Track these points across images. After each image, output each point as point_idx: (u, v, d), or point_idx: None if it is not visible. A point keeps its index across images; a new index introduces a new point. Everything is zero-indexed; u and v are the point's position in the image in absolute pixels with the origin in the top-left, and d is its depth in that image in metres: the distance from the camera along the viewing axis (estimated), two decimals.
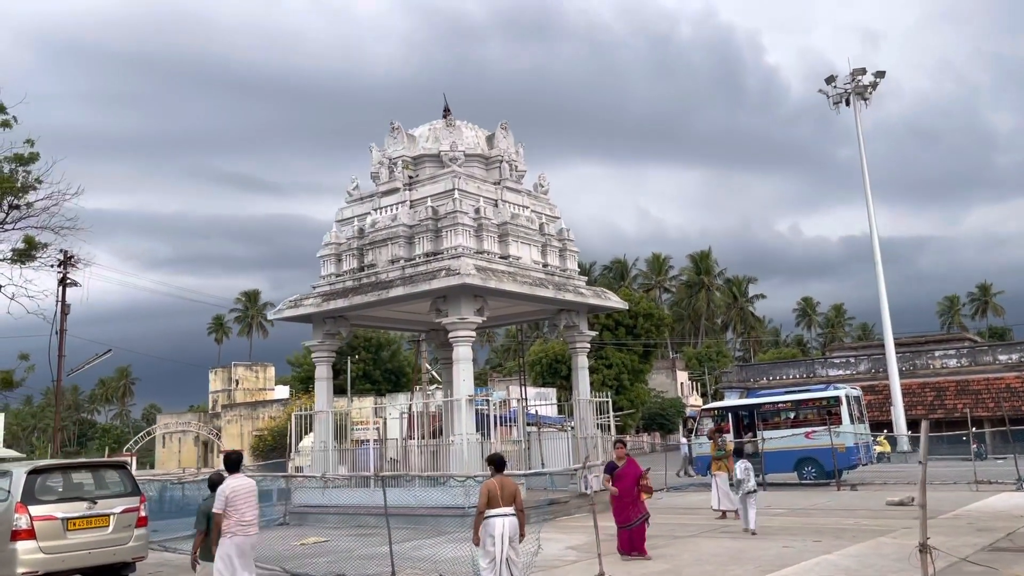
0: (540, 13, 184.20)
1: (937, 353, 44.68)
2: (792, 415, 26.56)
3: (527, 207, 20.77)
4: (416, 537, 15.12)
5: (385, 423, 37.13)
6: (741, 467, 14.85)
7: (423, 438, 20.78)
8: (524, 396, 25.02)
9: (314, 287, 20.53)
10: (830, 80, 40.17)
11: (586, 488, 12.95)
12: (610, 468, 11.97)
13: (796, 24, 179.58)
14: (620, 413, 38.64)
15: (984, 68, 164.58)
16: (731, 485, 16.79)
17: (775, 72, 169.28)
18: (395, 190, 19.84)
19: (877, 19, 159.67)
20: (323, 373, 20.74)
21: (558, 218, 21.79)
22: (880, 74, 39.57)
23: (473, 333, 18.26)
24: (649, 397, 61.60)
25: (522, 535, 8.91)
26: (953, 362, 43.55)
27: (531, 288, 18.88)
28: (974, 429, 24.89)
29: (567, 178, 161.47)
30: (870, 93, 39.56)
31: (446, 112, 20.98)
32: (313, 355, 20.81)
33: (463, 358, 18.01)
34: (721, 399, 46.10)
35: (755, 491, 15.09)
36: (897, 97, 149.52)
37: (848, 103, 40.10)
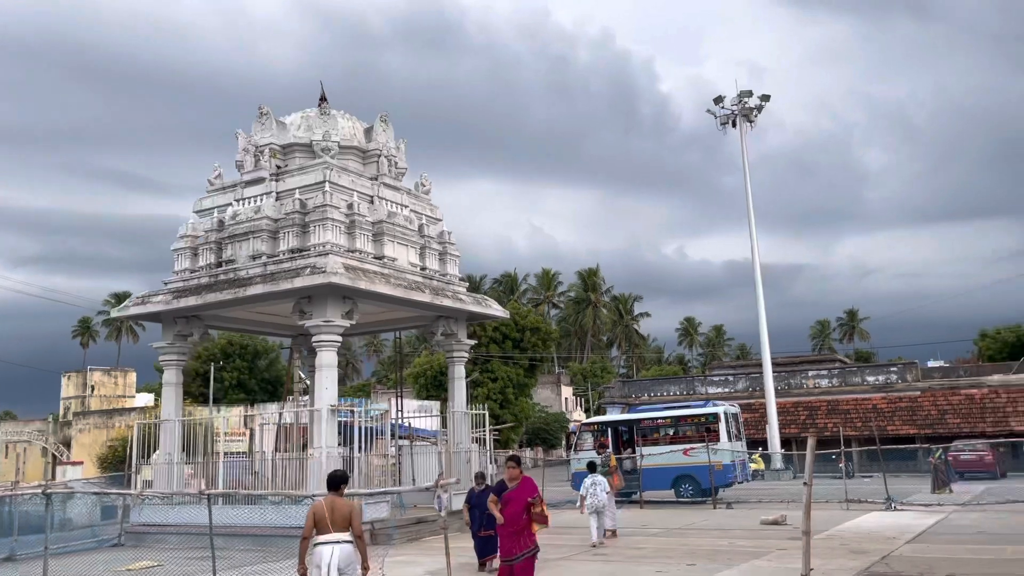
0: (440, 27, 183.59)
1: (811, 373, 45.93)
2: (671, 431, 26.27)
3: (406, 206, 19.57)
4: (265, 560, 13.60)
5: (253, 434, 34.95)
6: (587, 482, 15.27)
7: (289, 451, 19.15)
8: (400, 407, 23.73)
9: (166, 283, 18.64)
10: (718, 100, 40.80)
11: (440, 508, 11.76)
12: (498, 489, 10.54)
13: (688, 55, 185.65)
14: (499, 427, 37.75)
15: (858, 108, 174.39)
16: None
17: (667, 100, 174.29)
18: (260, 180, 18.26)
19: (763, 56, 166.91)
20: (172, 378, 18.84)
21: (440, 220, 20.68)
22: (765, 97, 40.49)
23: (339, 337, 16.87)
24: (533, 411, 61.08)
25: (365, 567, 7.67)
26: (825, 382, 44.84)
27: (406, 292, 17.67)
28: (843, 448, 25.14)
29: (465, 192, 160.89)
30: (755, 116, 40.40)
31: (322, 100, 19.56)
32: (161, 358, 18.86)
33: (327, 364, 16.60)
34: (603, 414, 45.92)
35: (602, 508, 15.07)
36: (780, 131, 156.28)
37: (735, 124, 40.81)
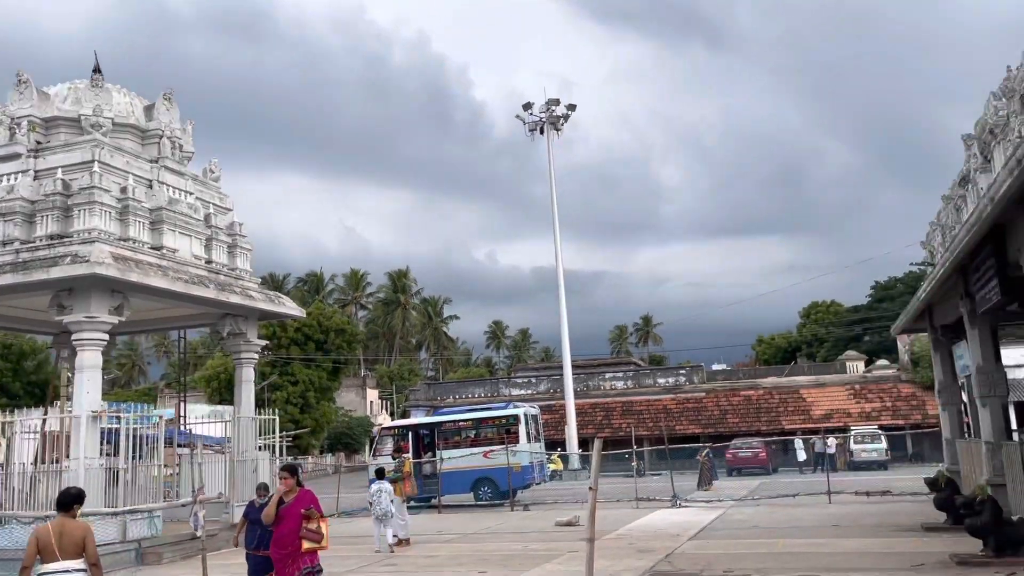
0: (249, 14, 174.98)
1: (608, 375, 47.72)
2: (473, 434, 26.11)
3: (191, 193, 17.98)
4: None
5: (9, 444, 31.17)
6: (373, 488, 14.86)
7: (54, 462, 16.93)
8: (183, 412, 21.87)
9: None
10: (527, 107, 41.47)
11: (196, 527, 10.60)
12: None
13: (502, 64, 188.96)
14: (295, 432, 36.10)
15: (657, 127, 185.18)
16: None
17: (481, 107, 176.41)
18: (15, 156, 16.05)
19: (573, 70, 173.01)
20: None
21: (230, 210, 19.20)
22: (572, 107, 41.65)
23: (104, 336, 15.11)
24: (336, 416, 59.31)
25: None
26: (621, 384, 46.74)
27: (187, 286, 16.14)
28: (635, 447, 26.04)
29: (271, 187, 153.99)
30: (562, 124, 41.44)
31: (95, 72, 17.55)
32: None
33: (88, 365, 14.81)
34: (408, 417, 45.26)
35: (389, 514, 14.72)
36: (586, 145, 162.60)
37: (542, 131, 41.63)
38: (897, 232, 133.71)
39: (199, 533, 8.69)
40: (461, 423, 26.59)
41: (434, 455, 24.88)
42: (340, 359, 56.78)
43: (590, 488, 6.40)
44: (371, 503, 14.92)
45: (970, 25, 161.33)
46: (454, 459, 24.23)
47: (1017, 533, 10.56)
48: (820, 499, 20.75)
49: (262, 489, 10.00)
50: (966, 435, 19.23)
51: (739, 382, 45.53)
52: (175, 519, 16.79)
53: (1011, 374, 17.86)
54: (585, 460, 41.31)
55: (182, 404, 23.10)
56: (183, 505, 13.60)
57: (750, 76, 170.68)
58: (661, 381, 46.08)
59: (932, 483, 14.15)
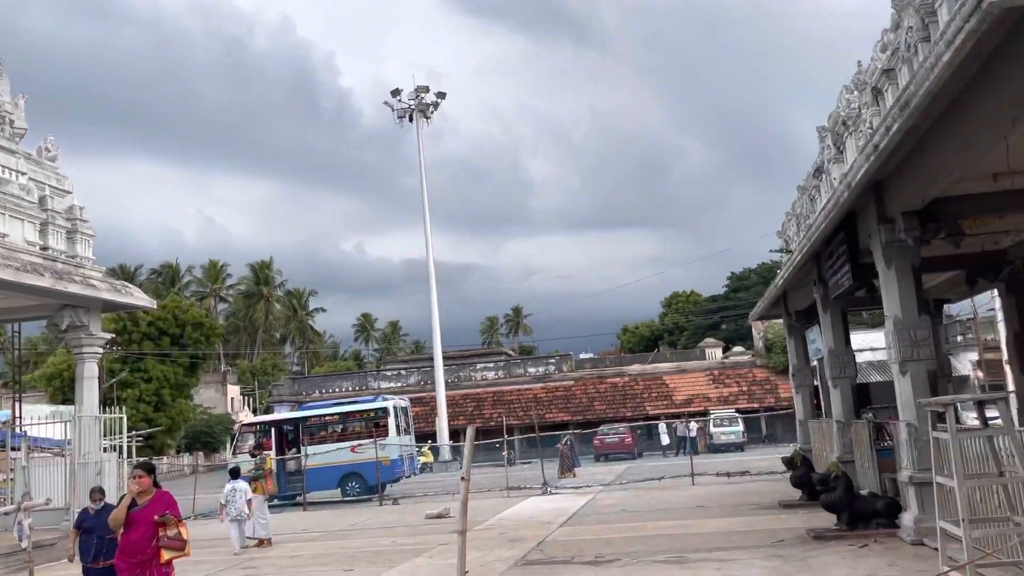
0: None
1: (479, 366, 47.69)
2: (340, 428, 25.31)
3: (23, 173, 16.38)
4: None
5: None
6: (227, 488, 14.18)
7: None
8: (19, 414, 20.04)
9: None
10: (396, 93, 40.67)
11: (20, 537, 9.57)
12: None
13: (370, 53, 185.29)
14: (147, 431, 34.02)
15: (526, 121, 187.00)
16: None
17: (348, 95, 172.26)
18: None
19: (442, 62, 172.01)
20: None
21: (69, 192, 17.65)
22: (441, 95, 41.18)
23: None
24: (194, 413, 56.46)
25: None
26: (492, 374, 46.81)
27: (17, 274, 14.63)
28: (507, 437, 25.99)
29: (124, 174, 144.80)
30: (432, 112, 40.89)
31: None
32: None
33: None
34: (271, 413, 43.61)
35: (244, 515, 14.27)
36: (456, 136, 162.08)
37: (411, 119, 40.94)
38: (751, 226, 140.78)
39: (24, 544, 7.71)
40: (327, 417, 25.73)
41: (299, 451, 23.94)
42: (198, 354, 54.08)
43: (462, 478, 6.07)
44: (223, 503, 14.09)
45: (811, 33, 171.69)
46: (320, 455, 23.39)
47: (868, 506, 11.05)
48: (684, 481, 21.34)
49: (97, 493, 9.08)
50: (818, 416, 20.23)
51: (606, 370, 46.55)
52: (6, 529, 15.30)
53: (859, 357, 18.87)
54: (457, 451, 41.09)
55: (18, 404, 21.24)
56: (5, 514, 12.25)
57: (615, 74, 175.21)
58: (531, 370, 46.48)
59: (788, 462, 14.73)
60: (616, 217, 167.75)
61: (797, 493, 15.56)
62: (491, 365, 47.90)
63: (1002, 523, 6.68)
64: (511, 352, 60.71)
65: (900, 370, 10.52)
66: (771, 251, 64.14)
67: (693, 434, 38.71)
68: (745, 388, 42.49)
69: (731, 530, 12.52)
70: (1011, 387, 18.64)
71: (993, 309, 39.92)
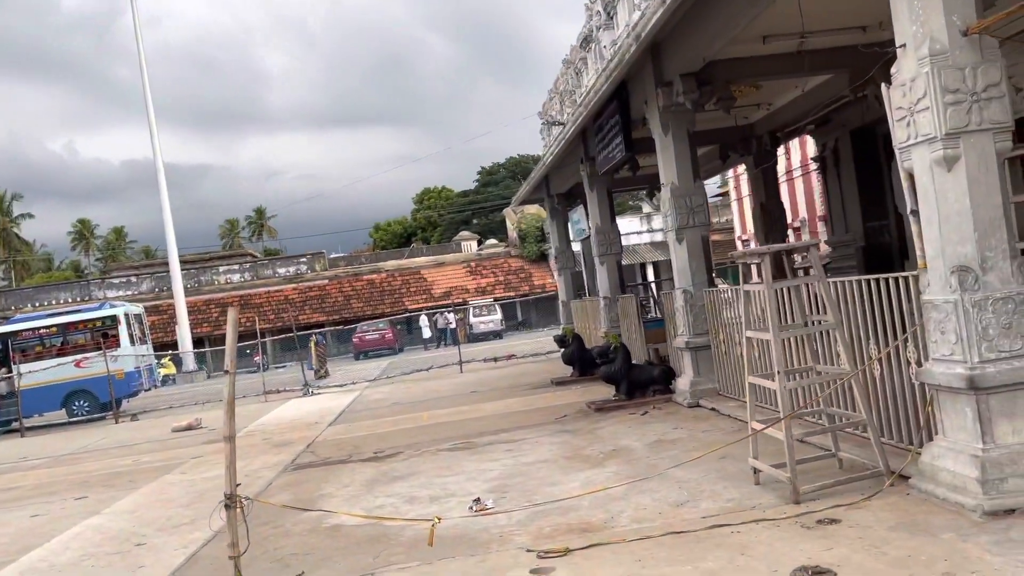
0: None
1: (222, 269, 44.25)
2: (60, 342, 22.04)
3: None
4: None
5: None
6: None
7: None
8: None
9: None
10: None
11: None
12: None
13: None
14: None
15: (258, 9, 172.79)
16: None
17: None
18: None
19: None
20: None
21: None
22: None
23: None
24: None
25: None
26: (237, 277, 43.68)
27: None
28: (259, 339, 24.15)
29: None
30: None
31: None
32: None
33: None
34: None
35: None
36: (180, 24, 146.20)
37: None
38: (495, 123, 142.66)
39: None
40: (43, 331, 22.27)
41: (10, 371, 20.55)
42: None
43: (226, 370, 4.78)
44: None
45: None
46: (36, 373, 20.22)
47: (645, 375, 11.10)
48: (452, 370, 21.04)
49: None
50: (580, 297, 20.61)
51: (362, 267, 45.17)
52: None
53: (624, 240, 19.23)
54: (202, 360, 38.23)
55: None
56: None
57: None
58: (281, 271, 43.95)
59: (560, 340, 14.68)
60: (361, 114, 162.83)
61: (567, 372, 15.67)
62: (235, 267, 44.61)
63: (806, 374, 6.60)
64: (256, 254, 57.05)
65: (676, 237, 10.44)
66: (544, 143, 64.97)
67: (453, 325, 38.93)
68: (501, 278, 43.22)
69: (510, 411, 12.19)
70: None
71: (718, 196, 43.43)
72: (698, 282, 10.31)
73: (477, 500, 6.76)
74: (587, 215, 17.89)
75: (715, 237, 40.74)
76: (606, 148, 13.11)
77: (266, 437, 13.10)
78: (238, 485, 4.82)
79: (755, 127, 15.42)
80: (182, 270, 38.58)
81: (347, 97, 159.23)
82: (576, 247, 21.65)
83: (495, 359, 20.95)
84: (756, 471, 6.12)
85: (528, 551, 5.30)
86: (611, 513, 5.92)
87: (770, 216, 15.91)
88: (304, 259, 44.56)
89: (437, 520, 4.80)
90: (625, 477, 6.96)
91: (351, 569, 5.53)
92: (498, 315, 38.57)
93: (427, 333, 38.43)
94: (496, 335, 37.55)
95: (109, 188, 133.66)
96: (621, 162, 12.63)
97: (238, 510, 4.76)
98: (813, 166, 18.15)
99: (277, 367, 35.36)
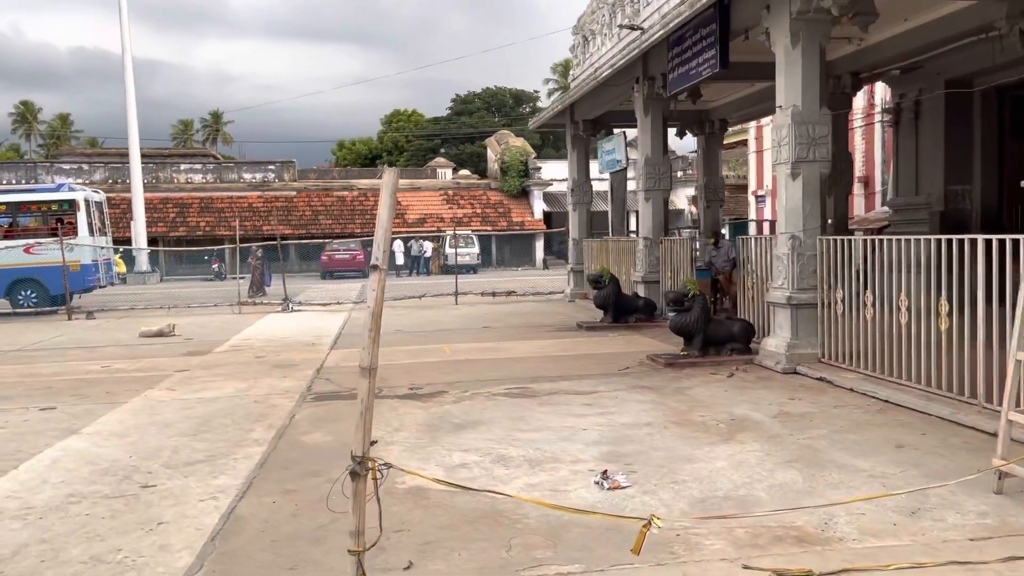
0: None
1: (183, 167, 41.30)
2: (8, 222, 19.58)
3: None
4: None
5: None
6: None
7: None
8: None
9: None
10: None
11: None
12: None
13: None
14: None
15: None
16: None
17: None
18: None
19: None
20: None
21: None
22: None
23: None
24: None
25: None
26: (199, 177, 40.83)
27: None
28: (240, 245, 21.95)
29: None
30: None
31: None
32: None
33: None
34: None
35: None
36: None
37: None
38: (468, 52, 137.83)
39: None
40: None
41: None
42: None
43: (374, 264, 3.05)
44: None
45: None
46: None
47: (724, 330, 9.60)
48: (446, 300, 19.38)
49: None
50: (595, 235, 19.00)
51: (333, 182, 42.67)
52: None
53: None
54: (155, 260, 35.74)
55: None
56: None
57: None
58: (248, 176, 41.18)
59: (596, 280, 13.05)
60: (325, 28, 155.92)
61: (590, 315, 14.16)
62: (199, 167, 41.65)
63: None
64: (217, 155, 53.71)
65: (791, 172, 8.82)
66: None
67: (428, 254, 37.06)
68: (479, 210, 41.23)
69: (552, 355, 10.62)
70: (699, 220, 18.91)
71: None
72: (810, 227, 8.76)
73: (604, 474, 5.17)
74: (626, 144, 16.16)
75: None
76: (688, 63, 11.35)
77: (259, 355, 11.32)
78: (374, 443, 3.14)
79: (834, 65, 13.81)
80: (141, 163, 35.61)
81: (309, 9, 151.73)
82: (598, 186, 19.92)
83: (493, 294, 19.28)
84: (1001, 475, 4.65)
85: (745, 568, 3.75)
86: (817, 516, 4.41)
87: (835, 168, 14.40)
88: (273, 166, 41.79)
89: (656, 523, 3.21)
90: (785, 461, 5.46)
91: (479, 562, 3.93)
92: (476, 248, 36.77)
93: (401, 260, 36.46)
94: (471, 269, 35.77)
95: (54, 75, 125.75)
96: (710, 77, 10.90)
97: (372, 480, 3.08)
98: (883, 118, 16.66)
99: (237, 278, 33.12)
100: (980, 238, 6.25)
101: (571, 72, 19.19)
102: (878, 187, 19.33)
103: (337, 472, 5.54)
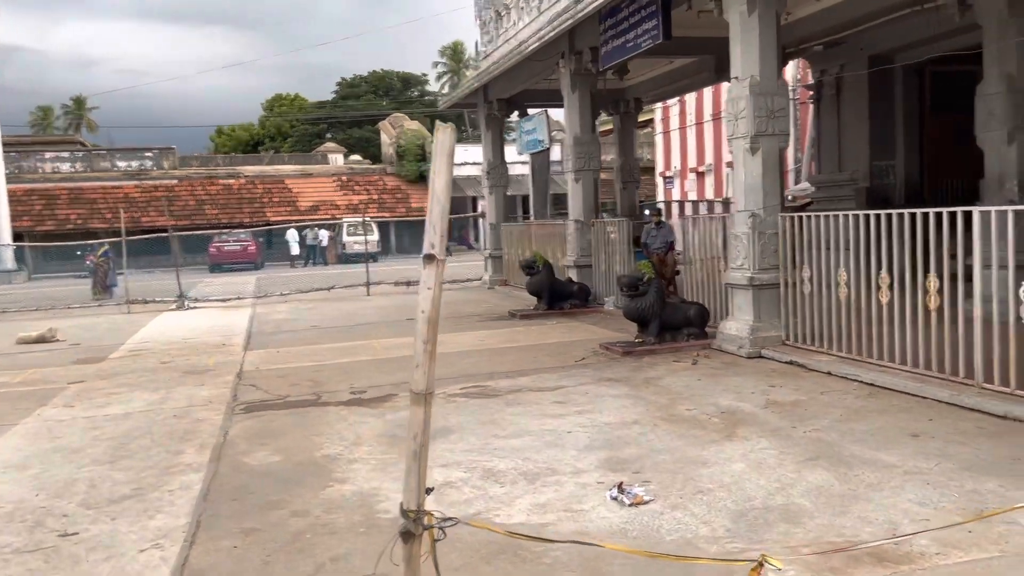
0: None
1: (48, 156, 38.05)
2: None
3: None
4: None
5: None
6: None
7: None
8: None
9: None
10: None
11: None
12: None
13: None
14: None
15: None
16: None
17: None
18: None
19: None
20: None
21: None
22: None
23: None
24: None
25: None
26: (67, 166, 37.71)
27: None
28: (121, 238, 20.05)
29: None
30: None
31: None
32: None
33: None
34: None
35: None
36: None
37: None
38: (344, 36, 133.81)
39: None
40: None
41: None
42: None
43: (430, 252, 2.26)
44: None
45: None
46: None
47: (679, 314, 9.14)
48: (357, 292, 18.33)
49: None
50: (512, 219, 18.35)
51: (217, 169, 40.32)
52: None
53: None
54: (21, 257, 32.79)
55: None
56: None
57: None
58: (122, 165, 38.33)
59: (528, 266, 12.41)
60: (195, 11, 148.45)
61: (510, 303, 13.60)
62: (66, 156, 38.45)
63: None
64: (85, 143, 49.91)
65: (750, 146, 8.40)
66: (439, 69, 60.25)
67: (324, 243, 35.56)
68: (376, 196, 39.85)
69: (497, 348, 9.92)
70: (618, 203, 18.48)
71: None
72: (770, 204, 8.38)
73: (620, 487, 4.53)
74: (548, 124, 15.56)
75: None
76: (624, 35, 10.81)
77: (164, 360, 10.10)
78: (430, 490, 2.35)
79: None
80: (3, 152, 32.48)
81: None
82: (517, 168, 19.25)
83: (407, 283, 18.34)
84: None
85: None
86: (879, 526, 3.90)
87: None
88: (150, 154, 39.05)
89: (774, 564, 2.57)
90: (805, 459, 4.97)
91: None
92: (375, 236, 35.51)
93: (295, 250, 34.77)
94: (371, 258, 34.45)
95: None
96: (650, 49, 10.38)
97: (432, 541, 2.30)
98: (796, 95, 16.70)
99: (119, 272, 30.71)
100: (976, 210, 5.95)
101: (480, 50, 18.41)
102: (791, 164, 19.52)
103: (300, 501, 4.70)
